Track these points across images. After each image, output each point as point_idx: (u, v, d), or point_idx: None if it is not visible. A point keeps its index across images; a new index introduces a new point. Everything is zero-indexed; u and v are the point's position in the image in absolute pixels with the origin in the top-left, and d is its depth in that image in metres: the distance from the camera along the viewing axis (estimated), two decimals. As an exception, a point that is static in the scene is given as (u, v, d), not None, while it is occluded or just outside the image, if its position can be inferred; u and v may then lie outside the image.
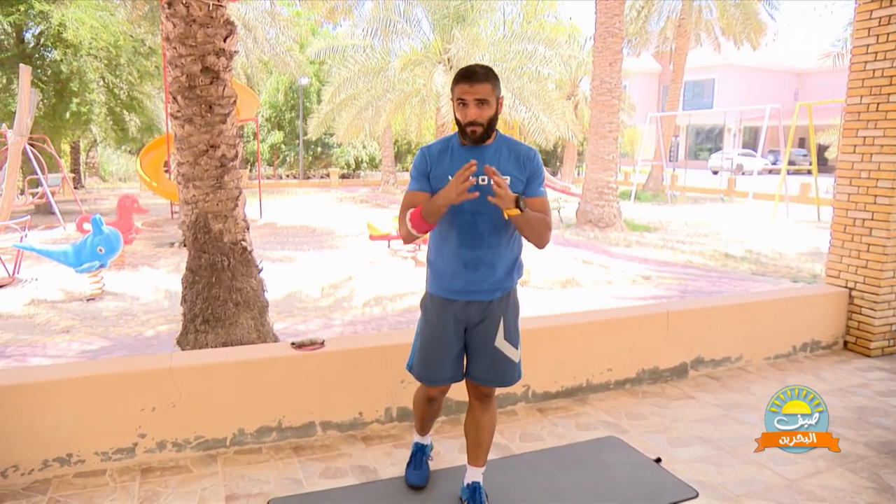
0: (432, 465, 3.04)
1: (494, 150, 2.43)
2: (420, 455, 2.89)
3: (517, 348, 2.56)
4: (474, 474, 2.67)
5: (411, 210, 2.37)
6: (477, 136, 2.36)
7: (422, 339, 2.59)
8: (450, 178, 2.35)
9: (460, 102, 2.33)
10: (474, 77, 2.31)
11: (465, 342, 2.55)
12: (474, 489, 2.64)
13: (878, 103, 4.53)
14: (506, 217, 2.34)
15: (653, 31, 23.93)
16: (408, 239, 2.46)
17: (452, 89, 2.37)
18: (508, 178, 2.38)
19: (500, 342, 2.51)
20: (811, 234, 12.70)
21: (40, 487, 2.84)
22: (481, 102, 2.32)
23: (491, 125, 2.38)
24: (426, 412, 2.79)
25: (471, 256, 2.43)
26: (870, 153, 4.60)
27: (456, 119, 2.39)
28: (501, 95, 2.41)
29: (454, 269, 2.46)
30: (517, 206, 2.27)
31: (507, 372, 2.55)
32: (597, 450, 3.23)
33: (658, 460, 3.12)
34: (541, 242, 2.42)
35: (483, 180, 2.33)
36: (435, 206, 2.30)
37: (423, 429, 2.89)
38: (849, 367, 4.50)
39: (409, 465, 2.90)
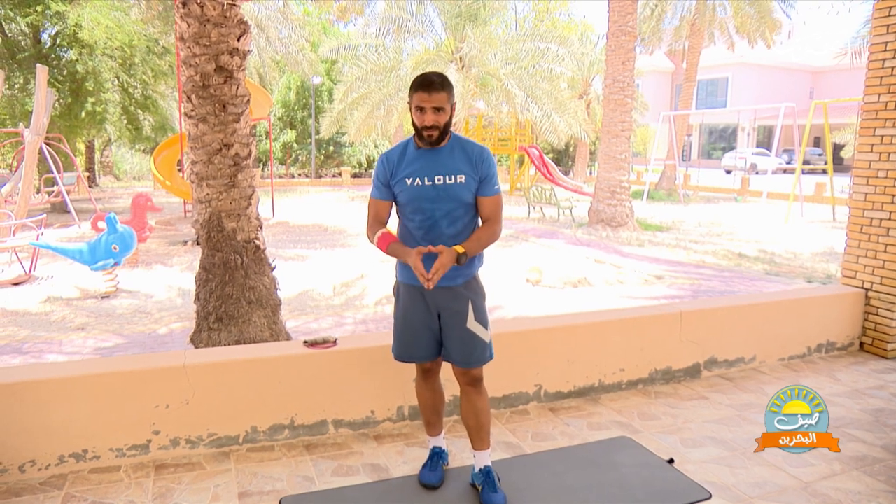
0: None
1: (448, 151, 2.60)
2: (437, 459, 2.93)
3: (487, 329, 2.72)
4: (483, 458, 2.79)
5: (380, 235, 2.60)
6: (433, 139, 2.54)
7: (397, 323, 2.80)
8: (407, 181, 2.56)
9: (418, 109, 2.50)
10: (432, 87, 2.48)
11: (440, 327, 2.72)
12: (487, 472, 2.77)
13: (896, 102, 4.47)
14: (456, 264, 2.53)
15: (666, 29, 23.77)
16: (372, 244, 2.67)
17: (410, 96, 2.54)
18: (464, 176, 2.56)
19: (472, 323, 2.67)
20: (826, 234, 12.57)
21: (56, 482, 2.87)
22: (438, 109, 2.50)
23: (446, 129, 2.56)
24: (426, 392, 2.87)
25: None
26: (888, 152, 4.55)
27: (413, 123, 2.57)
28: (454, 102, 2.59)
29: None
30: (458, 262, 2.49)
31: (480, 351, 2.70)
32: (609, 450, 3.22)
33: (671, 461, 3.10)
34: (491, 243, 2.65)
35: (440, 179, 2.55)
36: (397, 256, 2.57)
37: (432, 425, 2.92)
38: (865, 368, 4.45)
39: (424, 465, 2.92)
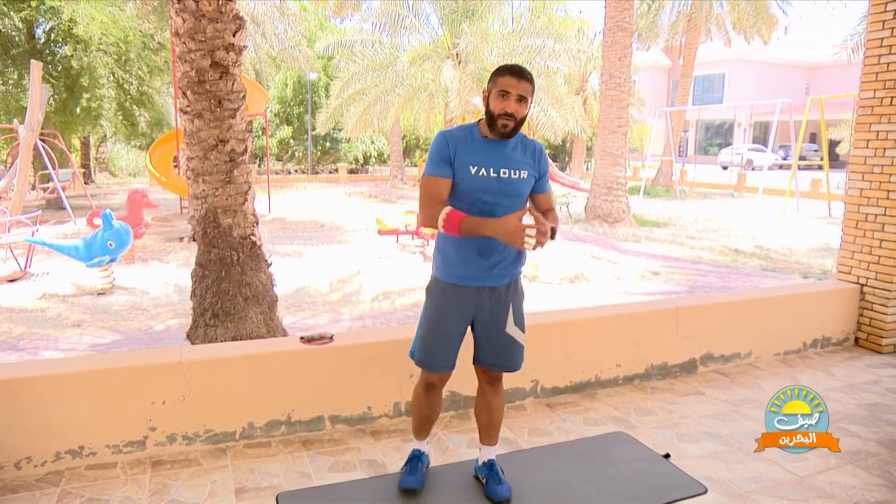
0: (441, 460, 3.05)
1: (514, 146, 2.49)
2: (417, 462, 2.80)
3: (524, 332, 2.64)
4: (489, 452, 2.78)
5: (447, 212, 2.35)
6: (508, 129, 2.40)
7: (427, 326, 2.59)
8: (471, 169, 2.40)
9: (502, 93, 2.37)
10: (522, 74, 2.37)
11: (471, 329, 2.62)
12: (491, 465, 2.76)
13: (892, 97, 4.49)
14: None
15: (663, 25, 23.76)
16: (429, 227, 2.46)
17: (493, 80, 2.41)
18: (526, 172, 2.48)
19: (511, 328, 2.58)
20: (822, 229, 12.60)
21: (53, 479, 2.87)
22: (521, 99, 2.38)
23: (520, 123, 2.43)
24: (425, 404, 2.71)
25: (486, 244, 2.46)
26: (883, 148, 4.56)
27: (488, 110, 2.42)
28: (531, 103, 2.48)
29: (467, 256, 2.49)
30: (552, 237, 2.34)
31: (517, 356, 2.64)
32: (605, 445, 3.23)
33: (667, 456, 3.11)
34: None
35: (505, 173, 2.43)
36: (479, 230, 2.32)
37: (422, 430, 2.79)
38: (860, 363, 4.47)
39: (404, 470, 2.80)
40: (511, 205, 2.44)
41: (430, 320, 2.59)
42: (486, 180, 2.41)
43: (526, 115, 2.43)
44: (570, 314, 4.12)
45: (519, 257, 2.58)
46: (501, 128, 2.39)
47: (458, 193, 2.45)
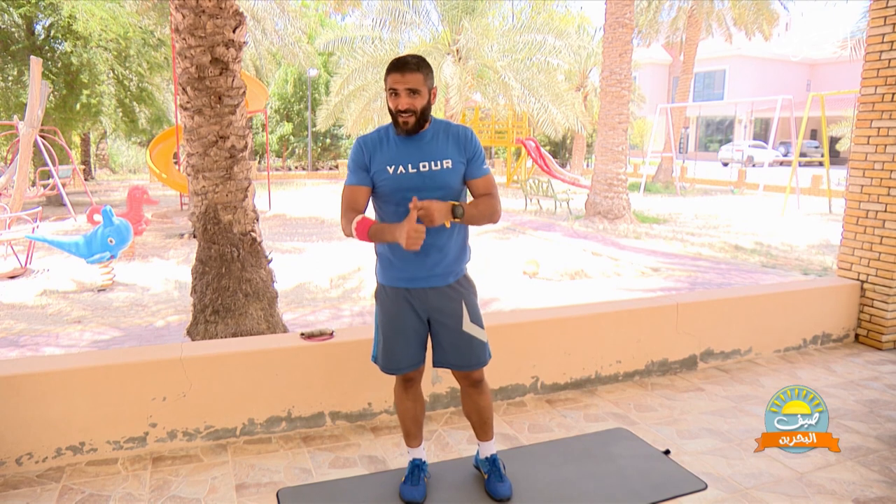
0: (441, 456, 3.06)
1: (431, 136, 2.44)
2: (418, 472, 2.73)
3: (483, 328, 2.59)
4: (488, 447, 2.76)
5: (358, 220, 2.34)
6: (409, 126, 2.36)
7: (383, 331, 2.58)
8: (388, 169, 2.38)
9: (392, 92, 2.34)
10: (405, 67, 2.32)
11: (430, 331, 2.59)
12: (493, 460, 2.75)
13: (893, 93, 4.48)
14: (448, 226, 2.39)
15: (663, 21, 23.72)
16: (348, 236, 2.44)
17: (385, 80, 2.38)
18: (450, 160, 2.41)
19: (468, 326, 2.54)
20: (822, 226, 12.59)
21: (54, 475, 2.87)
22: (413, 92, 2.33)
23: (424, 115, 2.38)
24: (407, 402, 2.68)
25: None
26: (884, 144, 4.55)
27: (389, 109, 2.39)
28: (434, 86, 2.42)
29: (405, 257, 2.45)
30: (455, 215, 2.33)
31: (480, 353, 2.58)
32: (605, 441, 3.23)
33: (667, 452, 3.11)
34: (492, 222, 2.49)
35: (424, 166, 2.38)
36: (383, 237, 2.32)
37: (413, 435, 2.74)
38: (860, 360, 4.47)
39: (405, 481, 2.72)
40: (441, 198, 2.38)
41: (385, 326, 2.57)
42: (407, 177, 2.37)
43: (428, 105, 2.38)
44: (571, 311, 4.12)
45: (462, 253, 2.55)
46: (403, 125, 2.36)
47: (383, 195, 2.43)
